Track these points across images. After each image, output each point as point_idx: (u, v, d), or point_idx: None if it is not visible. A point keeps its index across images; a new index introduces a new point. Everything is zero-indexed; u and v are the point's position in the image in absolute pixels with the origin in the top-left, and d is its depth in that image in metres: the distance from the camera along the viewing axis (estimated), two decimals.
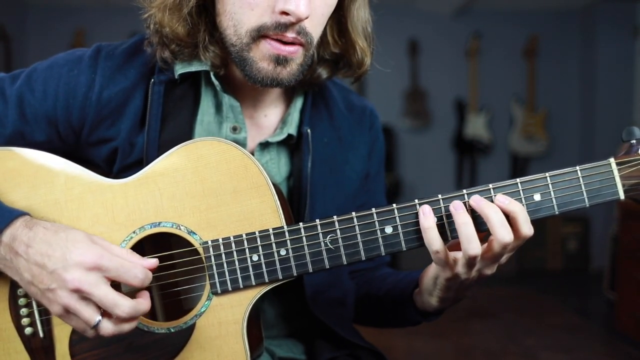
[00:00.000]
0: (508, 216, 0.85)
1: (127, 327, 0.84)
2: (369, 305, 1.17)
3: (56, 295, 0.82)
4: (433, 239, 0.86)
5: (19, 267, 0.85)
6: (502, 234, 0.83)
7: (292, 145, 1.10)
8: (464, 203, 0.86)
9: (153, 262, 0.87)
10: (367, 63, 1.08)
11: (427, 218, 0.86)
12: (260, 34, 0.93)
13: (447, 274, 0.89)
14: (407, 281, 1.06)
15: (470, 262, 0.85)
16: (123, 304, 0.81)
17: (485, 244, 0.86)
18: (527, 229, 0.85)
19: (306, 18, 0.91)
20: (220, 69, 1.02)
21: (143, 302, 0.85)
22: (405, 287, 1.06)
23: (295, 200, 1.07)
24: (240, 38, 0.94)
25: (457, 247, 0.88)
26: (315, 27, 0.96)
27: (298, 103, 1.11)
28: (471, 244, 0.84)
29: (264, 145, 1.07)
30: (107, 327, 0.83)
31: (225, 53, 1.01)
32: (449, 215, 0.87)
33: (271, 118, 1.11)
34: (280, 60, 0.94)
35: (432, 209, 0.87)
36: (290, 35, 0.92)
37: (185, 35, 0.98)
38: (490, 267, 0.89)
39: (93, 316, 0.82)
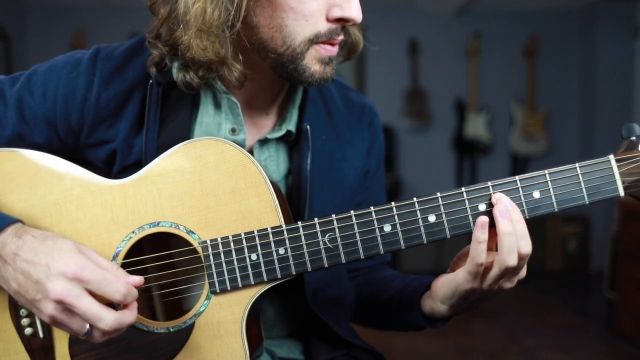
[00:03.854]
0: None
1: (117, 333, 0.84)
2: (373, 308, 1.16)
3: (41, 305, 0.81)
4: (482, 252, 0.85)
5: (7, 276, 0.84)
6: (512, 257, 0.84)
7: (290, 143, 1.10)
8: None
9: (138, 279, 0.85)
10: (361, 45, 1.10)
11: (484, 232, 0.86)
12: (314, 42, 0.94)
13: (473, 285, 0.89)
14: (415, 285, 1.05)
15: (505, 273, 0.85)
16: (106, 318, 0.80)
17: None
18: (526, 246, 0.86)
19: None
20: (238, 85, 0.99)
21: (128, 314, 0.83)
22: (412, 291, 1.04)
23: (294, 198, 1.07)
24: (292, 48, 0.93)
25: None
26: None
27: (297, 99, 1.11)
28: (511, 255, 0.84)
29: (263, 142, 1.07)
30: (97, 336, 0.83)
31: (245, 64, 0.97)
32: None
33: (271, 116, 1.11)
34: (328, 61, 0.97)
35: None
36: (340, 37, 0.96)
37: (217, 59, 0.93)
38: (510, 281, 0.89)
39: (81, 327, 0.82)
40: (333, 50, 0.96)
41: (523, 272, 0.89)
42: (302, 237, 0.90)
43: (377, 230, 0.90)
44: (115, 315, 0.81)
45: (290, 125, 1.08)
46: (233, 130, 1.05)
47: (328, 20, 0.93)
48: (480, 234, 0.85)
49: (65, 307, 0.81)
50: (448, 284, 0.93)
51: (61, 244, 0.84)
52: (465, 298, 0.92)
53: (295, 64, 0.95)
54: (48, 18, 5.46)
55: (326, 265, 0.90)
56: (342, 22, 0.94)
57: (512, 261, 0.84)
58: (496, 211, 0.85)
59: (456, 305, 0.94)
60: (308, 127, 1.07)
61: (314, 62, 0.96)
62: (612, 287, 4.17)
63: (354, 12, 0.92)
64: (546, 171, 0.88)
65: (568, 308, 4.48)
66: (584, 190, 0.88)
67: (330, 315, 1.09)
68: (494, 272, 0.86)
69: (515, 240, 0.84)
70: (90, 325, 0.82)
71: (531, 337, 3.74)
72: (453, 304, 0.94)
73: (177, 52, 0.96)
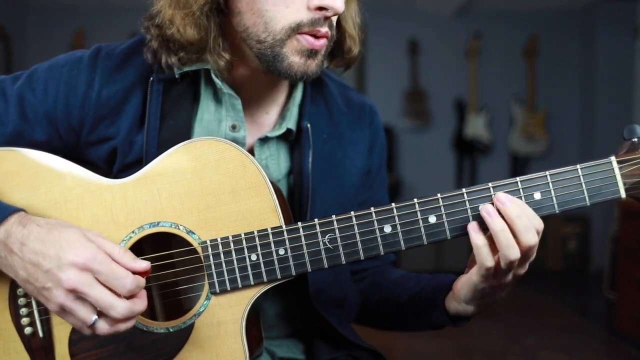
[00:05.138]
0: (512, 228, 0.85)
1: (123, 326, 0.84)
2: (388, 311, 1.15)
3: (52, 294, 0.82)
4: (487, 256, 0.85)
5: (14, 264, 0.85)
6: (512, 251, 0.84)
7: (291, 142, 1.10)
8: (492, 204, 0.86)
9: (146, 264, 0.85)
10: (355, 51, 1.09)
11: (479, 236, 0.86)
12: (296, 31, 0.94)
13: (489, 284, 0.89)
14: (434, 286, 1.05)
15: (511, 266, 0.85)
16: (118, 306, 0.81)
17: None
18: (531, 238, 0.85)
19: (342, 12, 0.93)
20: (224, 72, 1.01)
21: (139, 302, 0.84)
22: (433, 291, 1.04)
23: (296, 197, 1.06)
24: (273, 34, 0.94)
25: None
26: (335, 18, 0.99)
27: (297, 98, 1.11)
28: (511, 249, 0.83)
29: (264, 141, 1.07)
30: (103, 327, 0.83)
31: (237, 55, 1.00)
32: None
33: (272, 115, 1.10)
34: (310, 54, 0.96)
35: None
36: (323, 29, 0.95)
37: (197, 40, 0.96)
38: (522, 267, 0.89)
39: (89, 316, 0.82)
40: (316, 43, 0.95)
41: (533, 256, 0.89)
42: (302, 238, 0.90)
43: (377, 231, 0.89)
44: (127, 303, 0.82)
45: (290, 123, 1.08)
46: (233, 127, 1.05)
47: (309, 9, 0.93)
48: (477, 239, 0.86)
49: (77, 295, 0.81)
50: (467, 286, 0.93)
51: (68, 234, 0.84)
52: (488, 295, 0.92)
53: (274, 51, 0.95)
54: (48, 18, 5.45)
55: (326, 266, 0.90)
56: (323, 11, 0.93)
57: (514, 255, 0.83)
58: (484, 212, 0.85)
59: (481, 302, 0.95)
60: (308, 125, 1.07)
61: (293, 52, 0.95)
62: (612, 287, 4.17)
63: (337, 1, 0.91)
64: (547, 172, 0.87)
65: (568, 308, 4.48)
66: (585, 191, 0.87)
67: (332, 315, 1.08)
68: (503, 268, 0.86)
69: (513, 234, 0.84)
70: (99, 314, 0.82)
71: (531, 337, 3.74)
72: (477, 303, 0.95)
73: (169, 48, 0.98)
